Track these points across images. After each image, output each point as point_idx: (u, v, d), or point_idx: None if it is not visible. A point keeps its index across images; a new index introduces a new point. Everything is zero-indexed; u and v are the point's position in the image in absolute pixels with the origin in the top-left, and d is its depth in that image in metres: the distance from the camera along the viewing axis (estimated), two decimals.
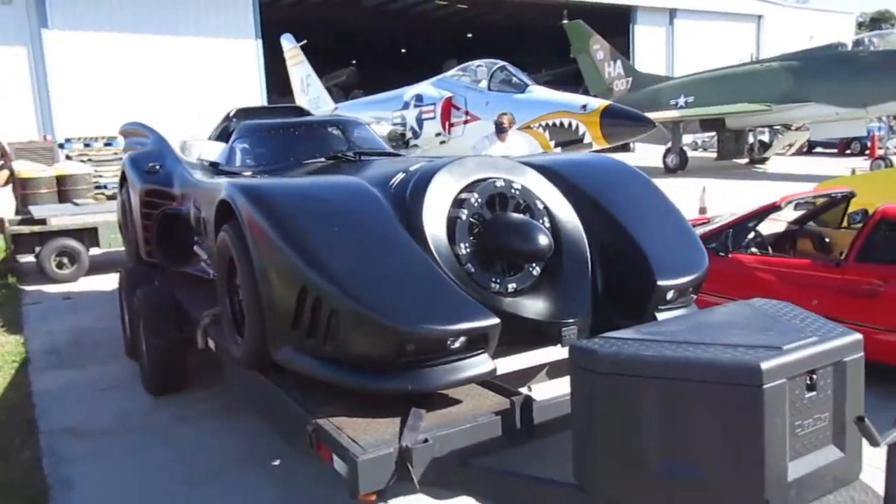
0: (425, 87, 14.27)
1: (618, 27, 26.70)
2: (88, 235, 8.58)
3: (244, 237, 3.15)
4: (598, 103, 10.85)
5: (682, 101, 20.45)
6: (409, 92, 14.95)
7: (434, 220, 3.20)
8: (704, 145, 27.96)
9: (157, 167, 5.83)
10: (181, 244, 5.39)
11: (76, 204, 9.73)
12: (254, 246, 3.07)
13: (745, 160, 21.68)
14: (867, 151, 24.17)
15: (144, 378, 5.01)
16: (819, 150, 25.69)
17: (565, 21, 24.73)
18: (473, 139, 12.64)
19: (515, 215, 3.30)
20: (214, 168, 5.49)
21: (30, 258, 8.68)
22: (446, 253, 3.14)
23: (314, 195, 3.25)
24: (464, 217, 3.20)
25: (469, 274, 3.12)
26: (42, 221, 8.44)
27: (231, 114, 6.35)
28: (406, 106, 14.02)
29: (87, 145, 16.85)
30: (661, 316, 3.27)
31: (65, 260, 8.48)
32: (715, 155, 22.06)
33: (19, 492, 3.71)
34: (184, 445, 4.21)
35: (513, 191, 3.35)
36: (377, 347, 2.74)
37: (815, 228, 6.16)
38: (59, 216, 8.54)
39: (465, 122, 12.73)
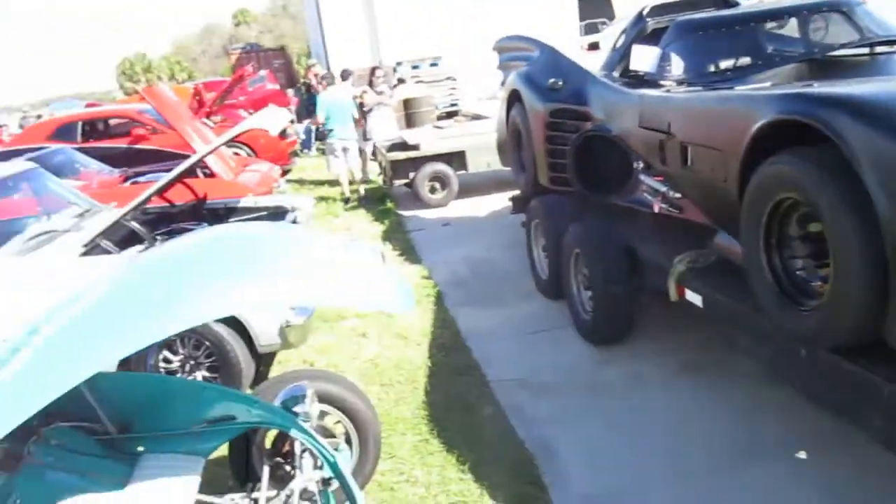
0: None
1: None
2: (457, 159, 8.45)
3: None
4: None
5: None
6: None
7: None
8: None
9: (560, 83, 5.16)
10: (607, 171, 4.69)
11: (438, 128, 9.71)
12: None
13: None
14: None
15: (583, 325, 4.46)
16: None
17: None
18: None
19: None
20: (638, 81, 4.64)
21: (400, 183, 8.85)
22: None
23: None
24: None
25: None
26: (416, 147, 8.47)
27: (644, 12, 5.37)
28: None
29: (414, 67, 17.32)
30: None
31: (436, 184, 8.48)
32: None
33: (502, 455, 3.35)
34: (659, 415, 3.55)
35: None
36: None
37: None
38: (431, 141, 8.50)
39: None
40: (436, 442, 3.53)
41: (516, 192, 6.42)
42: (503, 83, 6.88)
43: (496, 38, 7.29)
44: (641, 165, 4.34)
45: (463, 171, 8.60)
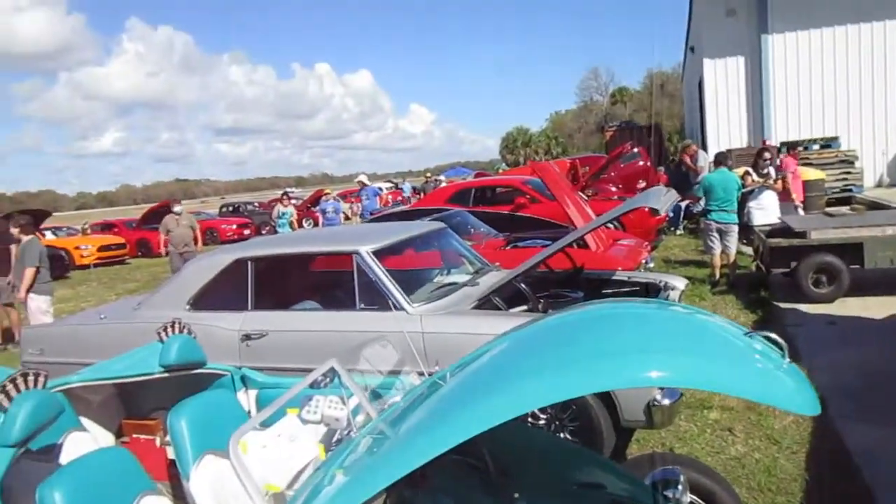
0: None
1: None
2: (851, 251, 7.52)
3: None
4: None
5: None
6: None
7: None
8: None
9: None
10: None
11: (829, 215, 8.80)
12: None
13: None
14: None
15: None
16: None
17: None
18: None
19: None
20: None
21: (778, 271, 8.15)
22: None
23: None
24: None
25: None
26: (802, 234, 7.76)
27: None
28: None
29: (804, 148, 15.99)
30: None
31: (823, 277, 7.63)
32: None
33: None
34: None
35: None
36: None
37: None
38: (820, 230, 7.72)
39: None
40: None
41: None
42: None
43: None
44: None
45: (857, 266, 7.60)
